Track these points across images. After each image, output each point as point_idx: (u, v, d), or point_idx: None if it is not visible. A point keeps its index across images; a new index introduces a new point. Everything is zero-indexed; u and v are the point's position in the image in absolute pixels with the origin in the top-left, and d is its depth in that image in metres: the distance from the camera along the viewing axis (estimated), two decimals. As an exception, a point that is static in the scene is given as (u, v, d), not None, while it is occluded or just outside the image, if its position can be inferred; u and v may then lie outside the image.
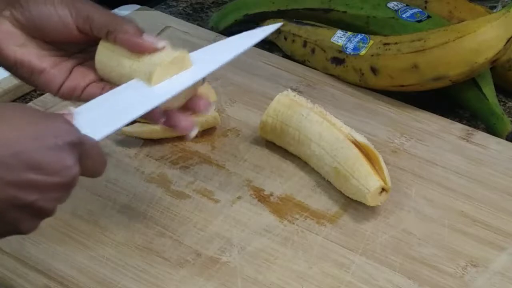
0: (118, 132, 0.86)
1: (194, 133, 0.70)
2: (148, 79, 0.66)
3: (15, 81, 0.93)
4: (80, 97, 0.70)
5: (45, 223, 0.76)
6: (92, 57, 0.69)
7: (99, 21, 0.68)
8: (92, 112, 0.64)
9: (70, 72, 0.70)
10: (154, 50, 0.67)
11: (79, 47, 0.71)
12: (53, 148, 0.57)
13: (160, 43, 0.68)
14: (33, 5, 0.67)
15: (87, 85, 0.70)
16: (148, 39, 0.68)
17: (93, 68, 0.70)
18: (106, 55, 0.68)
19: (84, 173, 0.61)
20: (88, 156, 0.60)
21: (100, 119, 0.64)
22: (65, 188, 0.59)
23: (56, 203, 0.60)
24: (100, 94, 0.68)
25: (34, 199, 0.57)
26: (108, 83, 0.69)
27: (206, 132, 0.88)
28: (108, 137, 0.86)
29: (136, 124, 0.86)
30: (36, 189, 0.57)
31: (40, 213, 0.59)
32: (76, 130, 0.60)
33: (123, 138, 0.86)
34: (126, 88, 0.67)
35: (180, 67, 0.68)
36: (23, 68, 0.69)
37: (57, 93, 0.70)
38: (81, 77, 0.70)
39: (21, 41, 0.68)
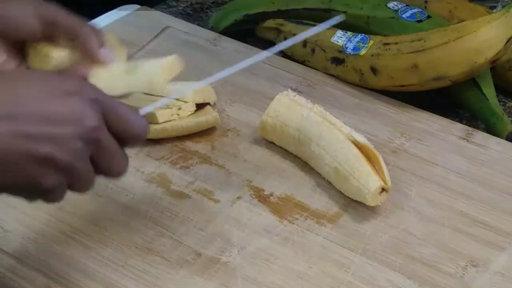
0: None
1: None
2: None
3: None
4: None
5: (45, 223, 0.76)
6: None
7: (65, 25, 0.70)
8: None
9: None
10: (108, 64, 0.71)
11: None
12: (63, 99, 0.57)
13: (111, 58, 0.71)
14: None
15: None
16: (104, 53, 0.71)
17: None
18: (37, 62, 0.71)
19: (122, 134, 0.61)
20: (115, 115, 0.60)
21: None
22: (83, 139, 0.58)
23: (77, 156, 0.58)
24: None
25: (49, 150, 0.57)
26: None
27: (206, 132, 0.88)
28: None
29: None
30: (50, 140, 0.57)
31: (60, 167, 0.58)
32: (91, 88, 0.60)
33: (123, 138, 0.86)
34: None
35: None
36: None
37: None
38: None
39: None
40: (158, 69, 0.75)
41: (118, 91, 0.74)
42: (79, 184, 0.60)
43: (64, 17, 0.70)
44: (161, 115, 0.84)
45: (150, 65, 0.75)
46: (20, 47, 0.72)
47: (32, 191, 0.60)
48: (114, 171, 0.62)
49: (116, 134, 0.61)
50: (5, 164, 0.57)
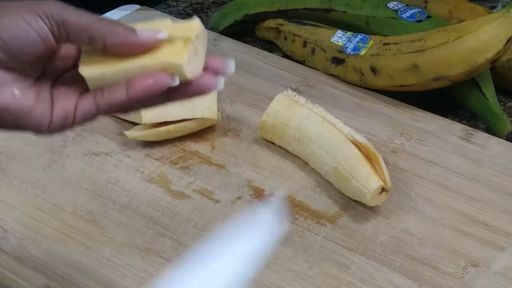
0: (121, 134, 0.86)
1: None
2: (179, 72, 0.55)
3: None
4: (75, 121, 0.57)
5: (45, 223, 0.76)
6: (58, 70, 0.58)
7: (77, 25, 0.55)
8: None
9: (52, 100, 0.57)
10: (156, 43, 0.56)
11: (38, 68, 0.57)
12: None
13: (160, 34, 0.56)
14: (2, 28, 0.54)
15: (77, 104, 0.57)
16: (144, 33, 0.56)
17: (72, 82, 0.57)
18: (98, 68, 0.56)
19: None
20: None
21: None
22: None
23: None
24: (96, 104, 0.56)
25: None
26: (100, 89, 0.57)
27: (206, 132, 0.88)
28: (108, 137, 0.87)
29: (138, 127, 0.85)
30: None
31: None
32: None
33: (123, 139, 0.86)
34: None
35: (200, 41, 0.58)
36: (8, 114, 0.55)
37: (48, 129, 0.57)
38: (66, 99, 0.57)
39: None
40: (210, 98, 0.85)
41: (174, 117, 0.83)
42: None
43: (75, 14, 0.55)
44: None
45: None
46: (36, 65, 0.57)
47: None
48: None
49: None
50: None
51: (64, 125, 0.57)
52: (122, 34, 0.55)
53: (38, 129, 0.56)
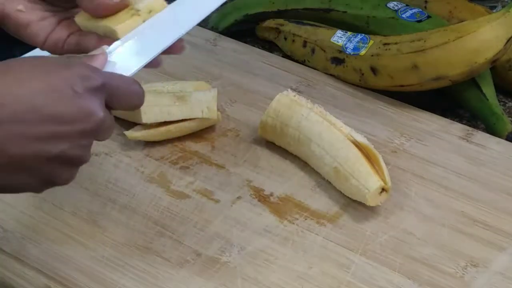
0: (121, 134, 0.86)
1: None
2: (114, 35, 0.66)
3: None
4: (63, 50, 0.69)
5: (45, 223, 0.76)
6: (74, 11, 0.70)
7: None
8: (124, 47, 0.64)
9: (57, 26, 0.69)
10: (115, 9, 0.66)
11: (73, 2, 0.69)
12: (70, 97, 0.56)
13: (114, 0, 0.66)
14: None
15: (67, 37, 0.69)
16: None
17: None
18: (84, 18, 0.68)
19: (119, 108, 0.61)
20: (118, 95, 0.60)
21: (131, 53, 0.64)
22: (93, 133, 0.58)
23: (86, 149, 0.59)
24: (77, 41, 0.68)
25: (61, 149, 0.56)
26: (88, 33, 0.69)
27: (206, 132, 0.88)
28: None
29: (138, 127, 0.85)
30: (61, 140, 0.56)
31: (72, 162, 0.58)
32: (97, 74, 0.58)
33: (123, 139, 0.86)
34: (157, 20, 0.66)
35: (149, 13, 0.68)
36: (9, 20, 0.68)
37: (42, 46, 0.69)
38: (64, 30, 0.69)
39: None
40: (210, 98, 0.85)
41: (174, 117, 0.83)
42: (82, 163, 0.60)
43: None
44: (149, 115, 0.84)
45: (201, 94, 0.85)
46: None
47: (44, 186, 0.59)
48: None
49: (116, 107, 0.61)
50: (18, 167, 0.56)
51: (55, 48, 0.69)
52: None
53: (33, 43, 0.69)
